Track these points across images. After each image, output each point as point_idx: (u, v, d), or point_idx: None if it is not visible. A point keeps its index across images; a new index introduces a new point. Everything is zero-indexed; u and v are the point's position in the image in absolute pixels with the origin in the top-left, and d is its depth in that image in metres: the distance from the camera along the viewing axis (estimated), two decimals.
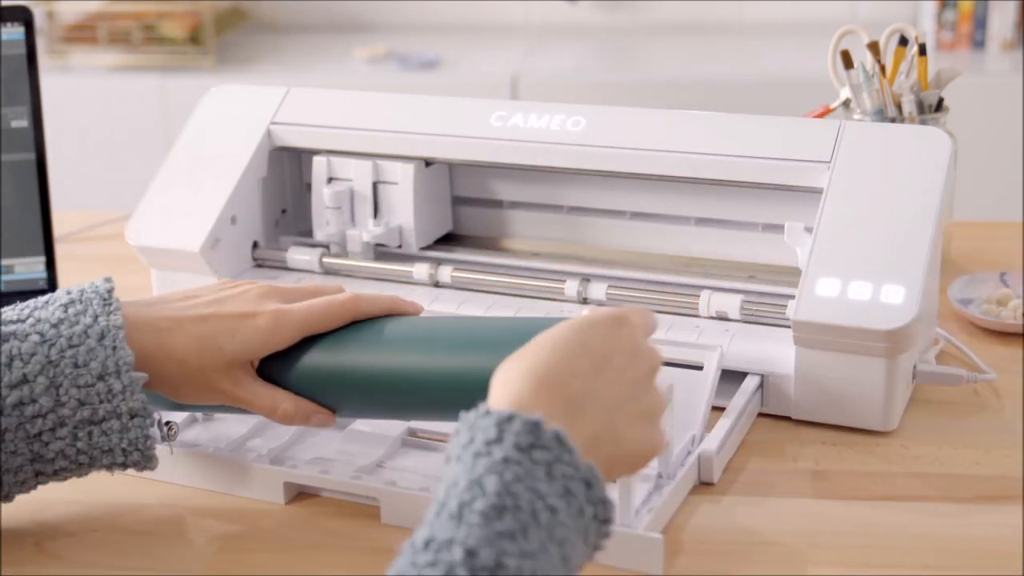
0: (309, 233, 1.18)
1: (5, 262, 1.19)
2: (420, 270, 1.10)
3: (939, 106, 1.21)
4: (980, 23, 2.63)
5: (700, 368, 0.94)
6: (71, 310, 0.81)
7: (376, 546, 0.82)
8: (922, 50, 1.20)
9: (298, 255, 1.14)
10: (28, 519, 0.85)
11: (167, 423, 0.89)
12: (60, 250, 1.31)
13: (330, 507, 0.86)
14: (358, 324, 0.86)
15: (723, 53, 2.72)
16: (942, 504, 0.85)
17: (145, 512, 0.86)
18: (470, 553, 0.61)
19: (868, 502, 0.86)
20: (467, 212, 1.18)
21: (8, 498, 0.81)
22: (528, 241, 1.16)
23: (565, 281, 1.06)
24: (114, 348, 0.80)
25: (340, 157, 1.13)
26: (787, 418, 0.96)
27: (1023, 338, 1.08)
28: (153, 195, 1.13)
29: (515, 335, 0.80)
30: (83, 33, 2.70)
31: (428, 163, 1.13)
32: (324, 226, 1.13)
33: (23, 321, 0.81)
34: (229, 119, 1.16)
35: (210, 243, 1.10)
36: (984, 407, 0.98)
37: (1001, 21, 2.61)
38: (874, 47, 1.21)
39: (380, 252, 1.14)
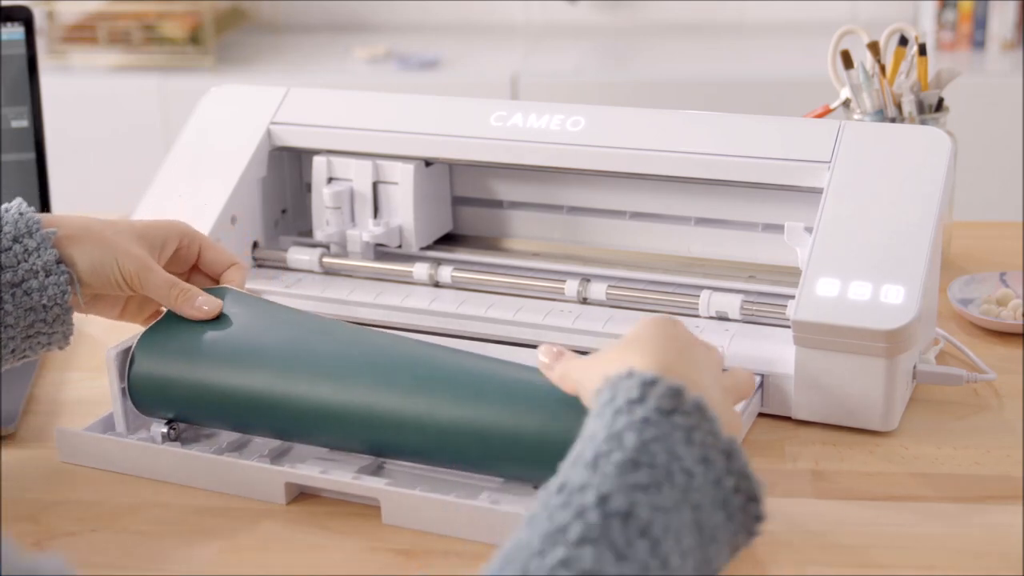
0: (309, 233, 1.18)
1: None
2: (420, 270, 1.10)
3: (939, 106, 1.21)
4: (980, 23, 2.63)
5: None
6: None
7: (377, 546, 0.82)
8: (922, 50, 1.20)
9: (298, 255, 1.14)
10: (28, 519, 0.85)
11: (169, 422, 0.90)
12: None
13: (331, 507, 0.86)
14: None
15: (723, 53, 2.72)
16: (942, 504, 0.85)
17: (145, 512, 0.86)
18: (603, 498, 0.62)
19: (868, 502, 0.86)
20: (467, 212, 1.18)
21: None
22: (528, 241, 1.16)
23: (565, 281, 1.06)
24: (21, 213, 0.89)
25: (340, 157, 1.13)
26: (787, 418, 0.96)
27: (1023, 338, 1.08)
28: (153, 195, 1.13)
29: (524, 388, 0.82)
30: (83, 33, 2.70)
31: (428, 163, 1.13)
32: (324, 226, 1.13)
33: None
34: (229, 119, 1.16)
35: None
36: (984, 407, 0.98)
37: (1001, 21, 2.61)
38: (874, 47, 1.21)
39: (380, 252, 1.14)
